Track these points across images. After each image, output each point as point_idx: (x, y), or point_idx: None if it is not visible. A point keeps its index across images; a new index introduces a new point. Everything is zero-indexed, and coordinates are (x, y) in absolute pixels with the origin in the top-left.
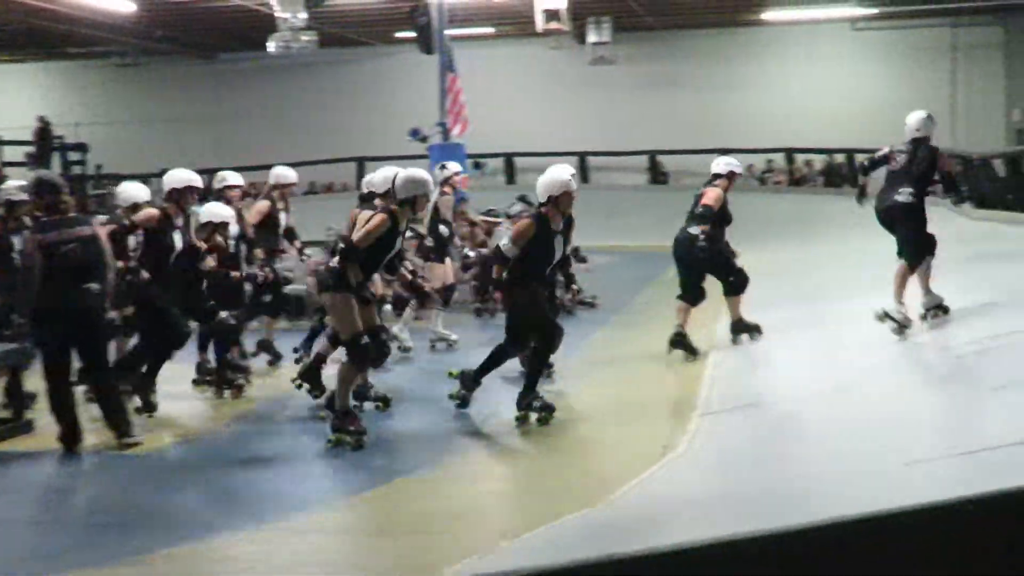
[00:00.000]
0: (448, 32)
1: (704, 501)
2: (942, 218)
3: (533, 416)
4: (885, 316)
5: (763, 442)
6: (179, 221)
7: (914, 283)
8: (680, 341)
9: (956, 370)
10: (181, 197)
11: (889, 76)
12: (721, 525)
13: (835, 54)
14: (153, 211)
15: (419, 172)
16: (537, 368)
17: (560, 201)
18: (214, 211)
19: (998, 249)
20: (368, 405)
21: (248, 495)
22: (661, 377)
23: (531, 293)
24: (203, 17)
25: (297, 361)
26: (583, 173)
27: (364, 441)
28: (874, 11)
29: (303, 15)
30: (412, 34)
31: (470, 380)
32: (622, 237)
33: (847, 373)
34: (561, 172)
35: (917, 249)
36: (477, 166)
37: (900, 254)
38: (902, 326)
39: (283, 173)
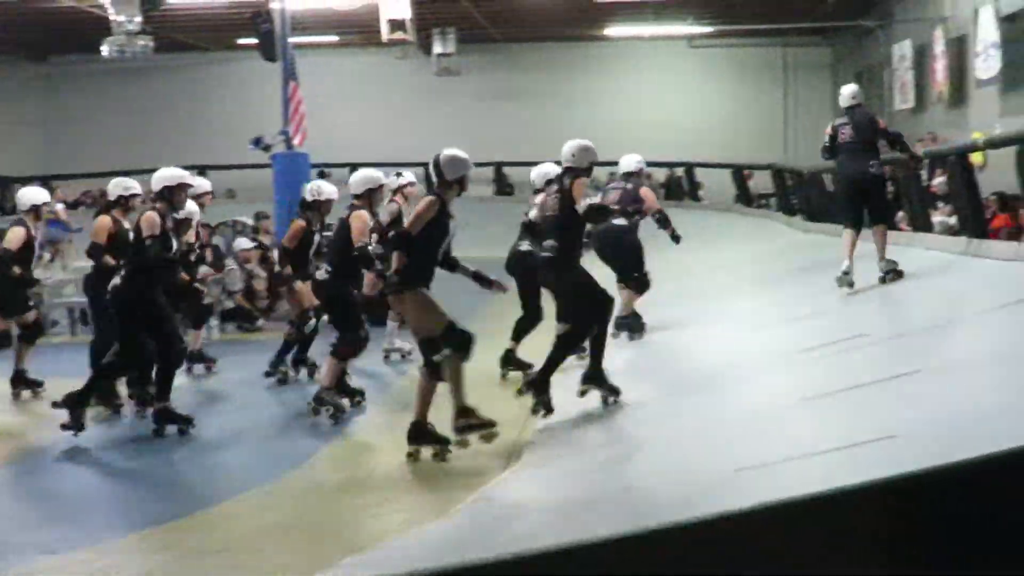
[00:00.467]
0: (292, 40)
1: (547, 508)
2: (775, 232)
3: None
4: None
5: (604, 448)
6: (169, 222)
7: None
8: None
9: (790, 374)
10: (173, 196)
11: (725, 92)
12: (563, 532)
13: (674, 70)
14: (153, 215)
15: (460, 152)
16: (567, 350)
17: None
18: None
19: (828, 258)
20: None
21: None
22: (507, 386)
23: (577, 271)
24: (32, 17)
25: (268, 374)
26: (429, 185)
27: (496, 431)
28: (709, 29)
29: (138, 18)
30: (254, 41)
31: (540, 384)
32: (468, 248)
33: (689, 378)
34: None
35: (891, 210)
36: (322, 176)
37: (875, 220)
38: (897, 272)
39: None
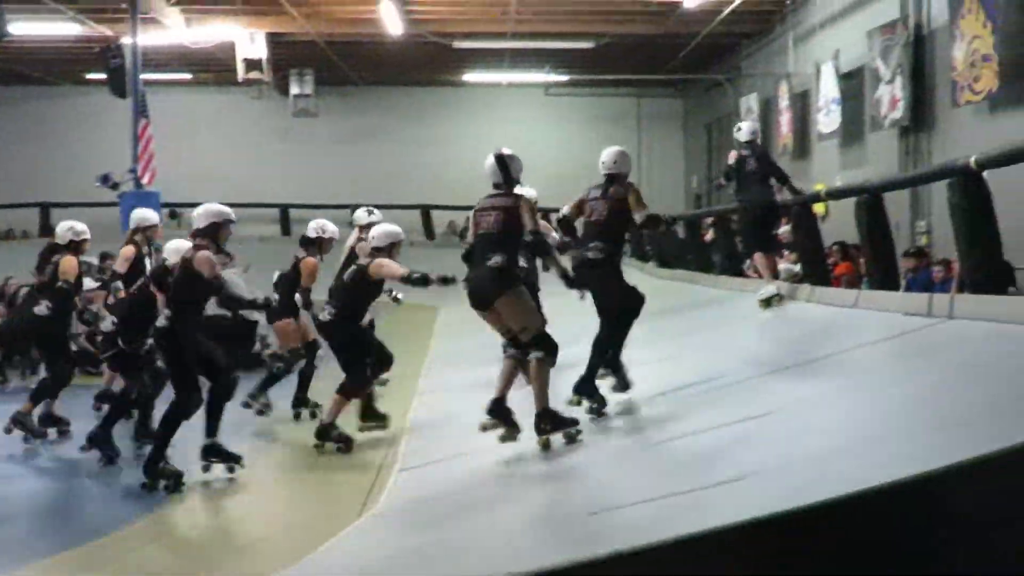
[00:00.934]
0: (143, 76)
1: (397, 558)
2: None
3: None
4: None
5: (459, 495)
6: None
7: None
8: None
9: (641, 418)
10: (219, 232)
11: (581, 140)
12: None
13: (531, 117)
14: (208, 254)
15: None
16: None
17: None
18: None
19: (680, 303)
20: None
21: None
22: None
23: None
24: None
25: (246, 405)
26: (285, 225)
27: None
28: (565, 78)
29: None
30: (104, 76)
31: (589, 386)
32: (323, 291)
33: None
34: None
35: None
36: (173, 216)
37: (761, 248)
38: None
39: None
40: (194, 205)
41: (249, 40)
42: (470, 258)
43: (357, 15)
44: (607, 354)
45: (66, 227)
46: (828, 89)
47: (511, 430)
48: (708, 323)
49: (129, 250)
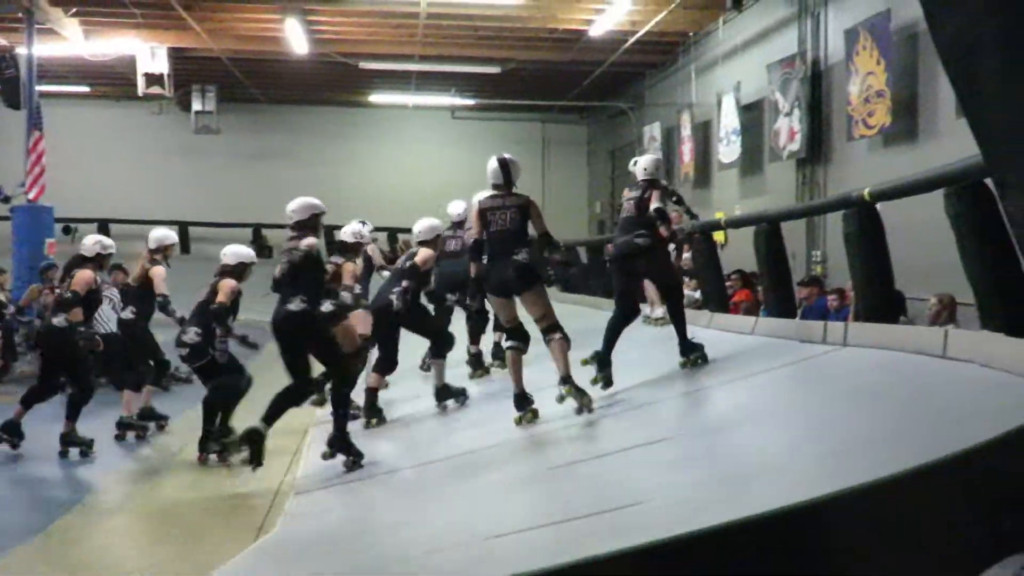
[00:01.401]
0: (38, 88)
1: None
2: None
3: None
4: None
5: (355, 520)
6: None
7: None
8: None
9: (540, 443)
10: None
11: (486, 162)
12: None
13: (437, 139)
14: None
15: None
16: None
17: None
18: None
19: (583, 327)
20: None
21: None
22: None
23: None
24: None
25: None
26: (184, 243)
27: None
28: (471, 102)
29: None
30: None
31: (603, 360)
32: None
33: (439, 445)
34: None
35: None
36: (67, 231)
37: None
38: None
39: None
40: (91, 221)
41: (150, 54)
42: (479, 251)
43: (262, 32)
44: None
45: (94, 240)
46: (729, 120)
47: (535, 412)
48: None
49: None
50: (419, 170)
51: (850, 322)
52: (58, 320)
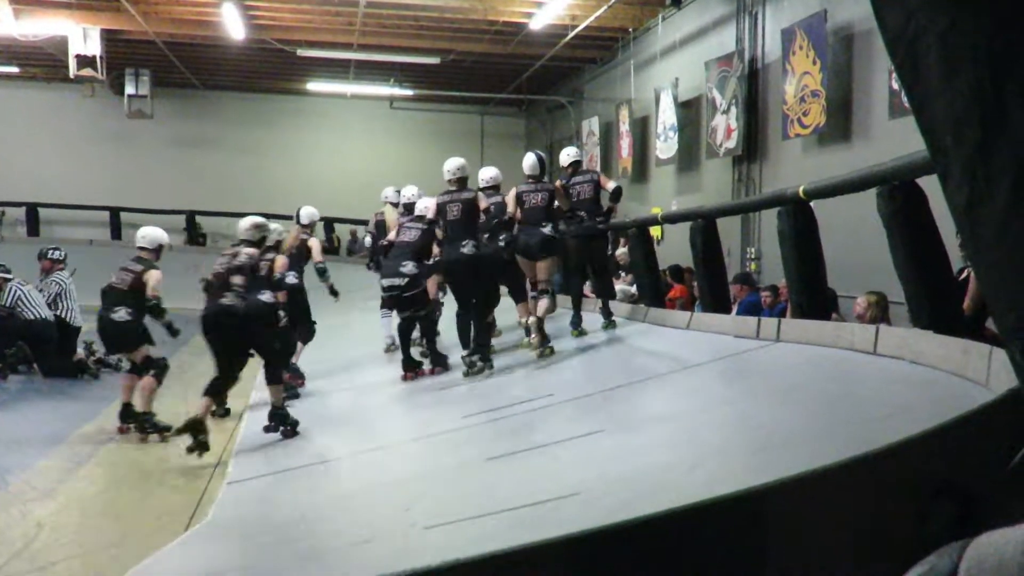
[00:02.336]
0: None
1: (225, 573)
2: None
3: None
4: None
5: (289, 508)
6: None
7: None
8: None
9: (476, 434)
10: None
11: (425, 154)
12: None
13: (376, 129)
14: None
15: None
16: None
17: None
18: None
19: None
20: None
21: None
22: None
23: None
24: None
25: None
26: (115, 229)
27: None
28: (410, 93)
29: None
30: None
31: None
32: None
33: (376, 436)
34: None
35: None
36: None
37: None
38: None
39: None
40: (19, 205)
41: (83, 36)
42: (509, 227)
43: (198, 16)
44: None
45: (158, 234)
46: (667, 116)
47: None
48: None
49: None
50: (357, 160)
51: (782, 318)
52: (265, 297)
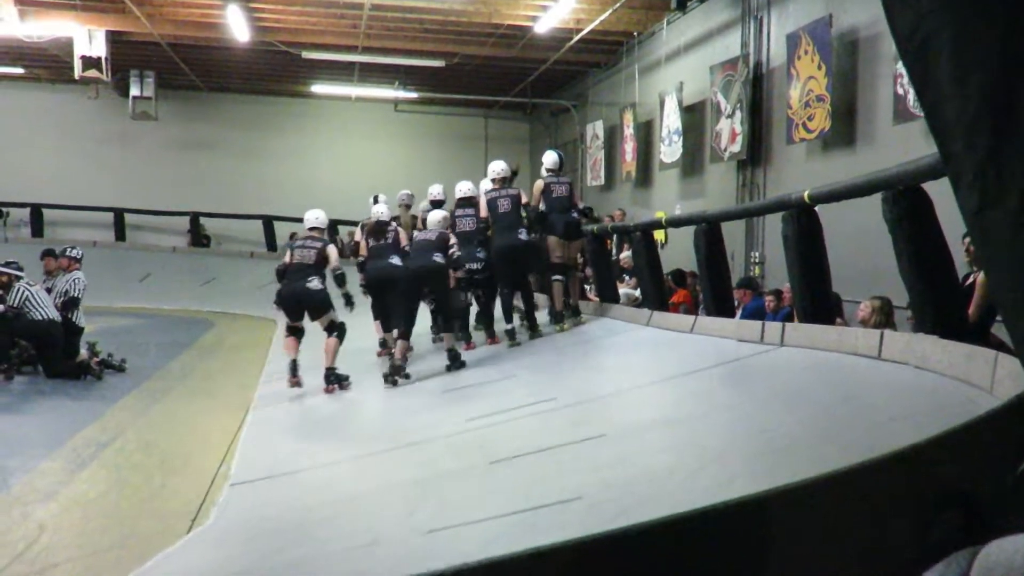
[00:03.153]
0: None
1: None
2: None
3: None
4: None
5: (292, 511)
6: None
7: None
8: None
9: (477, 438)
10: None
11: (429, 156)
12: None
13: (380, 132)
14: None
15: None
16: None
17: None
18: None
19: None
20: None
21: None
22: (193, 445)
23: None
24: None
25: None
26: (119, 230)
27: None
28: (414, 96)
29: None
30: None
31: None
32: (159, 300)
33: (376, 440)
34: None
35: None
36: None
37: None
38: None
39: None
40: (23, 205)
41: (88, 37)
42: (545, 218)
43: (203, 19)
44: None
45: (324, 215)
46: (671, 120)
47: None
48: (547, 345)
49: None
50: (361, 162)
51: (787, 323)
52: (438, 257)
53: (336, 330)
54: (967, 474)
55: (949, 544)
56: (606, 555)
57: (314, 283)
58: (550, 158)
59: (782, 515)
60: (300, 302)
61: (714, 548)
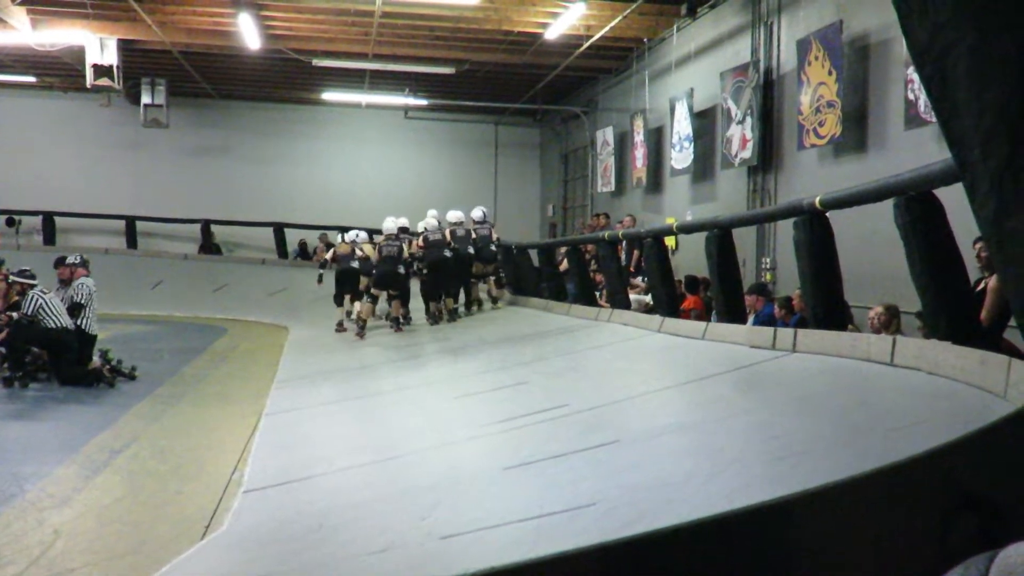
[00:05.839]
0: None
1: None
2: (487, 303)
3: None
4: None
5: (306, 517)
6: None
7: None
8: None
9: (491, 443)
10: None
11: (440, 164)
12: None
13: (390, 139)
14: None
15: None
16: None
17: None
18: None
19: (533, 331)
20: None
21: None
22: (206, 451)
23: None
24: None
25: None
26: (131, 238)
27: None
28: (424, 103)
29: None
30: None
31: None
32: (171, 307)
33: (391, 445)
34: None
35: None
36: (11, 223)
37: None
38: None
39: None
40: (35, 213)
41: (100, 46)
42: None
43: (214, 26)
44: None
45: (395, 222)
46: (681, 126)
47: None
48: (560, 351)
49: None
50: (371, 170)
51: (798, 329)
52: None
53: (402, 298)
54: (984, 478)
55: (967, 548)
56: (622, 560)
57: (400, 268)
58: (477, 213)
59: (802, 521)
60: (387, 281)
61: (736, 551)
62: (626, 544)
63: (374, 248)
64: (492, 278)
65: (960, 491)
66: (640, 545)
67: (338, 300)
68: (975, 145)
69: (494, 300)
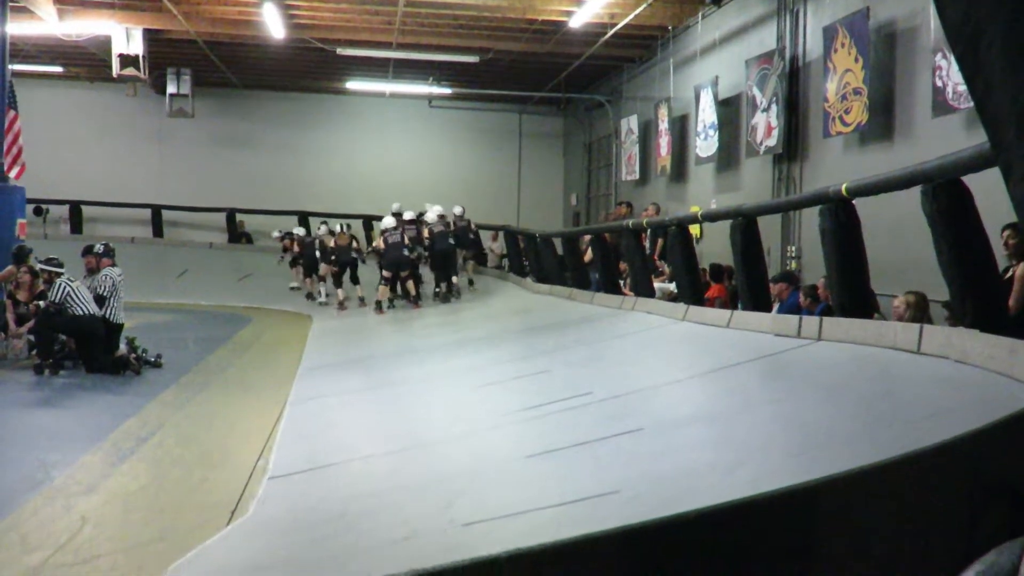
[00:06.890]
0: (11, 67)
1: (267, 569)
2: (508, 292)
3: None
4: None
5: (330, 504)
6: None
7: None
8: None
9: (516, 431)
10: None
11: (464, 153)
12: None
13: (415, 128)
14: None
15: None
16: None
17: None
18: None
19: (558, 319)
20: None
21: None
22: (232, 439)
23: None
24: None
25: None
26: (157, 227)
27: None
28: (448, 91)
29: None
30: None
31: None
32: (196, 295)
33: (416, 433)
34: None
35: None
36: (39, 212)
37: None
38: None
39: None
40: (62, 203)
41: (125, 36)
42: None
43: (239, 16)
44: None
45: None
46: (706, 114)
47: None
48: (583, 339)
49: None
50: (395, 158)
51: (824, 317)
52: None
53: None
54: (1012, 467)
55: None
56: (645, 546)
57: (448, 248)
58: (457, 209)
59: (830, 505)
60: (437, 262)
61: (760, 536)
62: (650, 527)
63: (382, 237)
64: (471, 262)
65: (988, 479)
66: (664, 529)
67: (337, 282)
68: (1010, 124)
69: (470, 281)
